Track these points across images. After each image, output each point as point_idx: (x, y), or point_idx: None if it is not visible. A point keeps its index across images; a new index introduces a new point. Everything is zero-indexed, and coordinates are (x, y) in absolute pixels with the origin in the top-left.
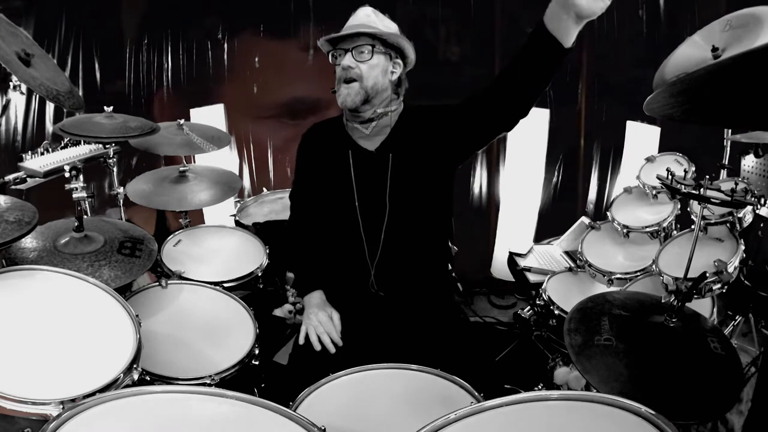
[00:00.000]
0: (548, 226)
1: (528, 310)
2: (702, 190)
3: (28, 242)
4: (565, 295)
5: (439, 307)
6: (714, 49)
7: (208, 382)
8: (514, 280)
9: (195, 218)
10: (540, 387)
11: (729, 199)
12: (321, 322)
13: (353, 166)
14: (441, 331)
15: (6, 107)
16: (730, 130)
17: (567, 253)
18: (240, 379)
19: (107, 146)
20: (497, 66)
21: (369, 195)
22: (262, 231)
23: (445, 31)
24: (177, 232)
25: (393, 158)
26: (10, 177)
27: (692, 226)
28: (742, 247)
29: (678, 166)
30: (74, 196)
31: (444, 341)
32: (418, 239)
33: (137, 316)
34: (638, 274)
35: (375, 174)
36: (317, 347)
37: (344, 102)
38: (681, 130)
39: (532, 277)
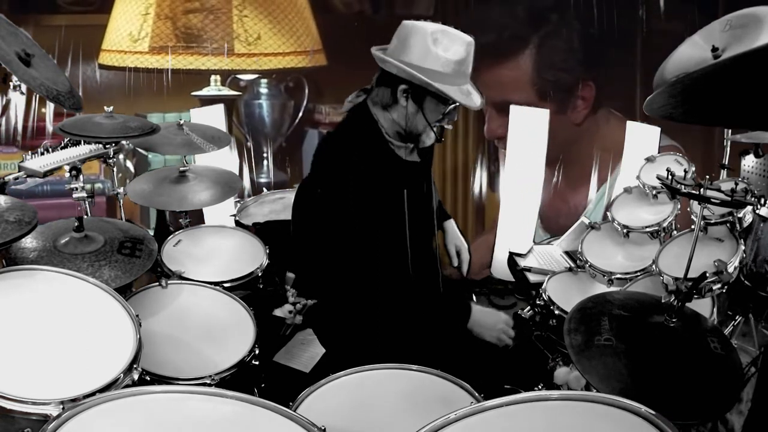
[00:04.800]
0: (548, 226)
1: (528, 310)
2: (702, 190)
3: (28, 242)
4: (565, 295)
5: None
6: (714, 49)
7: (208, 382)
8: (514, 280)
9: (195, 218)
10: (540, 387)
11: (729, 199)
12: (506, 326)
13: (408, 181)
14: None
15: (6, 107)
16: (730, 130)
17: (567, 253)
18: (240, 379)
19: (107, 146)
20: None
21: (418, 207)
22: (262, 231)
23: None
24: (177, 232)
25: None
26: (10, 177)
27: (692, 226)
28: (742, 247)
29: (678, 166)
30: (74, 196)
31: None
32: None
33: (137, 316)
34: (638, 274)
35: (421, 186)
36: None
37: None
38: (681, 129)
39: (532, 277)
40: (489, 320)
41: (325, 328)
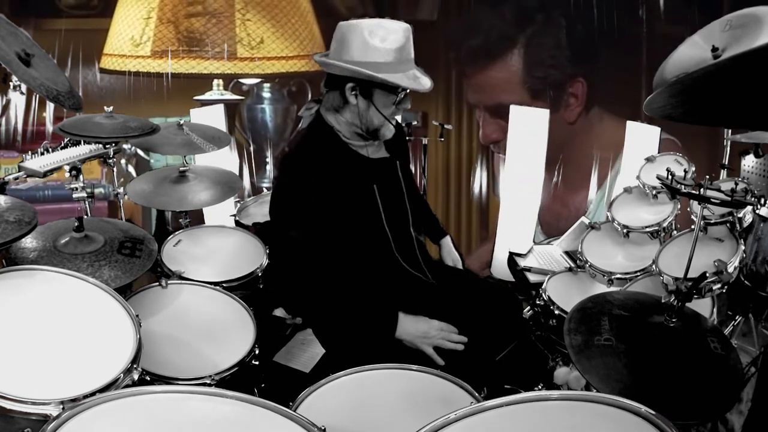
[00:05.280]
0: (548, 231)
1: (528, 310)
2: (702, 190)
3: (28, 242)
4: (565, 295)
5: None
6: (714, 49)
7: (208, 382)
8: (514, 280)
9: (195, 218)
10: (540, 387)
11: (729, 199)
12: (442, 332)
13: (376, 177)
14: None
15: (6, 107)
16: (730, 130)
17: (567, 253)
18: (240, 379)
19: (107, 146)
20: None
21: (392, 200)
22: (262, 231)
23: None
24: (177, 232)
25: (398, 162)
26: (10, 177)
27: (692, 226)
28: (742, 247)
29: (678, 166)
30: (74, 196)
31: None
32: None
33: (137, 316)
34: (638, 274)
35: (392, 180)
36: (460, 348)
37: (389, 133)
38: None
39: (532, 277)
40: (419, 328)
41: (322, 328)
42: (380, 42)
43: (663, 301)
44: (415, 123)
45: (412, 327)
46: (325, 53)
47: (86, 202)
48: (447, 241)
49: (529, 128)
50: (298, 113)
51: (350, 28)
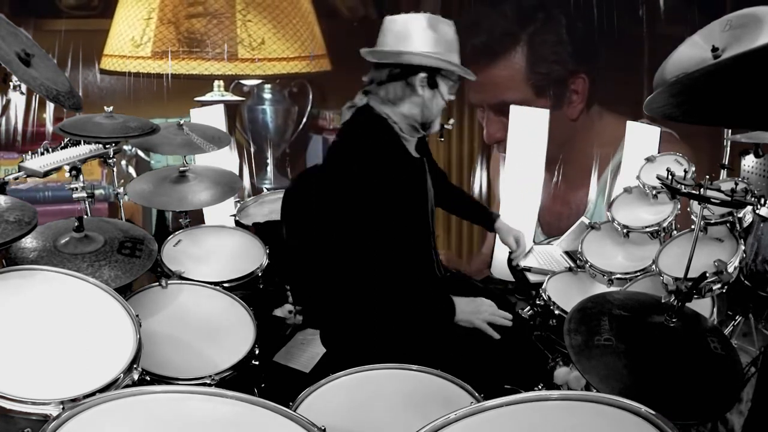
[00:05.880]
0: (549, 232)
1: (528, 310)
2: (702, 190)
3: (28, 242)
4: (565, 295)
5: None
6: (714, 49)
7: (208, 382)
8: (514, 280)
9: (195, 218)
10: (540, 387)
11: (729, 199)
12: (491, 307)
13: (419, 176)
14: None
15: (6, 107)
16: (730, 130)
17: (567, 253)
18: (240, 379)
19: (107, 146)
20: None
21: (430, 194)
22: (262, 231)
23: None
24: (177, 232)
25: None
26: (10, 177)
27: (692, 226)
28: (742, 247)
29: (678, 166)
30: (74, 196)
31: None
32: None
33: (137, 316)
34: (638, 274)
35: (424, 175)
36: (509, 324)
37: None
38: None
39: (532, 277)
40: (471, 306)
41: (330, 328)
42: (443, 34)
43: (663, 301)
44: None
45: (466, 306)
46: (371, 49)
47: (86, 202)
48: (502, 222)
49: (529, 128)
50: (346, 106)
51: (410, 21)
